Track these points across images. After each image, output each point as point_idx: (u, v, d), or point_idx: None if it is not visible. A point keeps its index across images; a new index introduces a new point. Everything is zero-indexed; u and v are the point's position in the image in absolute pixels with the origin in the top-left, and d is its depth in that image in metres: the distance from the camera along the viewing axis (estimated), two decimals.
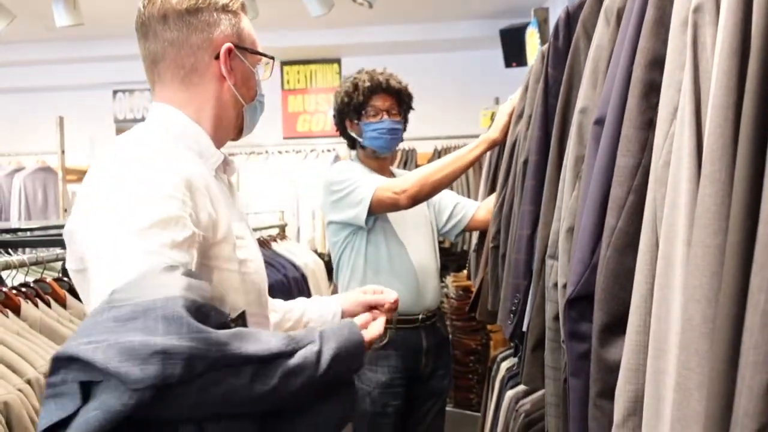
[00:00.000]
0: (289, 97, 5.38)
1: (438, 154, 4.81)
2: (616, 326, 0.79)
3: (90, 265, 0.90)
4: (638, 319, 0.76)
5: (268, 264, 3.32)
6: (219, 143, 1.19)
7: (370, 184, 2.11)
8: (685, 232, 0.71)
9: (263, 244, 3.62)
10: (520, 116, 1.89)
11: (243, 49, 1.16)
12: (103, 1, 3.92)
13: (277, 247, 3.74)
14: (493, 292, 1.93)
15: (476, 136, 4.79)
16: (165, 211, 0.91)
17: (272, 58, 1.26)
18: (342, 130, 2.34)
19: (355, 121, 2.26)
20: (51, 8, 3.77)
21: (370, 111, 2.25)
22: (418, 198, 2.09)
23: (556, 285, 1.10)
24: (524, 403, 2.17)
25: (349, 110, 2.26)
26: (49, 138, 4.79)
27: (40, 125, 5.16)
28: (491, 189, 2.56)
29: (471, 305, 2.05)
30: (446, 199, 2.40)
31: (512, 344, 1.50)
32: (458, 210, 2.38)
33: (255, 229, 3.79)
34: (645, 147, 0.79)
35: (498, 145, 2.11)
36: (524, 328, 1.37)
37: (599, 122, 0.91)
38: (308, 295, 3.49)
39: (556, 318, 1.10)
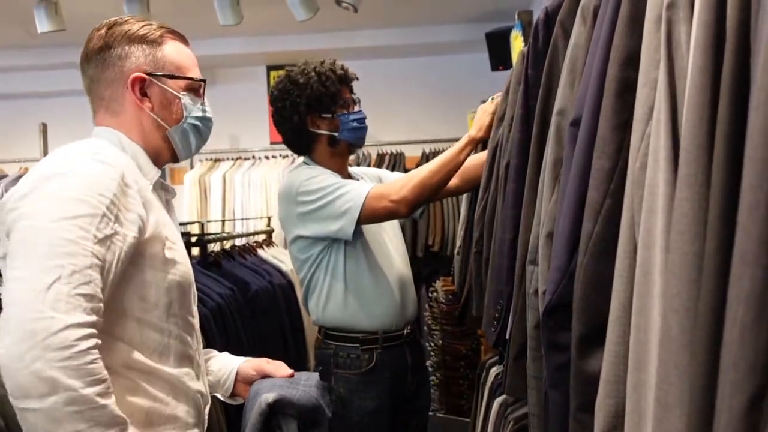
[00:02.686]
0: None
1: (426, 157, 4.78)
2: (594, 336, 0.76)
3: (11, 247, 1.03)
4: (617, 329, 0.72)
5: (254, 271, 3.28)
6: (157, 164, 1.31)
7: (356, 191, 1.95)
8: (662, 237, 0.67)
9: (250, 250, 3.57)
10: (501, 119, 1.86)
11: (159, 76, 1.27)
12: (85, 7, 3.88)
13: (263, 253, 3.70)
14: (477, 298, 1.90)
15: None
16: (92, 207, 1.04)
17: (195, 79, 1.34)
18: (296, 132, 2.09)
19: (327, 115, 2.06)
20: (31, 14, 3.72)
21: (342, 102, 2.09)
22: (417, 206, 1.99)
23: (536, 292, 1.07)
24: (513, 409, 2.14)
25: (320, 104, 2.04)
26: (31, 145, 4.72)
27: (23, 132, 5.09)
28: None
29: (460, 314, 1.99)
30: (384, 179, 2.26)
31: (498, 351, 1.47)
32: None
33: (242, 235, 3.75)
34: (621, 148, 0.76)
35: (480, 143, 2.06)
36: (507, 336, 1.34)
37: (575, 123, 0.87)
38: (295, 302, 3.45)
39: (538, 326, 1.06)
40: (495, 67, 4.54)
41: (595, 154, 0.77)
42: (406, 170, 4.72)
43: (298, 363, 3.40)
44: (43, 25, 3.72)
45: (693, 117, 0.58)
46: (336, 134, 2.09)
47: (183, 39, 1.36)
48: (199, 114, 1.34)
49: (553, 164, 1.04)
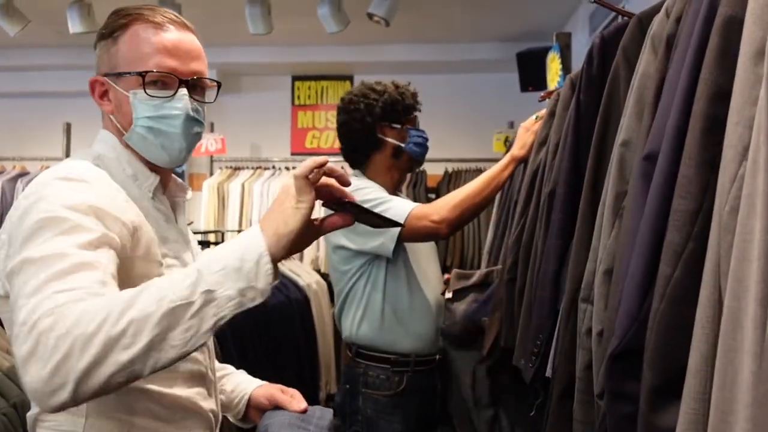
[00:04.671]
0: (298, 113, 5.32)
1: (449, 176, 4.74)
2: (669, 389, 0.70)
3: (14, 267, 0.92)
4: (697, 385, 0.67)
5: None
6: (156, 170, 1.17)
7: (399, 207, 1.91)
8: (757, 288, 0.62)
9: None
10: (542, 143, 1.81)
11: (112, 76, 1.13)
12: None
13: (280, 266, 3.63)
14: (507, 328, 1.84)
15: (489, 160, 4.74)
16: (72, 221, 0.93)
17: (130, 73, 1.10)
18: (363, 136, 2.08)
19: (397, 125, 2.08)
20: (63, 14, 3.73)
21: (413, 117, 2.14)
22: (458, 227, 1.95)
23: (590, 331, 1.01)
24: None
25: (394, 111, 2.06)
26: (54, 144, 4.74)
27: (47, 131, 5.11)
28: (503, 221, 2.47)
29: (490, 349, 1.90)
30: None
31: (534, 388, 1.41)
32: None
33: None
34: (707, 189, 0.70)
35: (523, 162, 2.00)
36: (548, 374, 1.28)
37: (650, 158, 0.82)
38: (310, 318, 3.39)
39: (589, 367, 1.01)
40: (525, 88, 4.49)
41: (676, 193, 0.72)
42: (427, 188, 4.68)
43: (311, 380, 3.35)
44: (75, 26, 3.72)
45: None
46: (403, 145, 2.09)
47: (157, 23, 1.12)
48: (151, 113, 1.10)
49: (614, 198, 0.99)
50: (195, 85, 1.15)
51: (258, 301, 0.90)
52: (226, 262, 0.89)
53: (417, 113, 2.17)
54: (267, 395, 1.38)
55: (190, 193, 1.29)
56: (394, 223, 1.05)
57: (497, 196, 2.66)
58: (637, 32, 1.16)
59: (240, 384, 1.41)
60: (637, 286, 0.76)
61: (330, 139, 5.29)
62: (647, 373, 0.71)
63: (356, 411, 1.96)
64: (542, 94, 2.13)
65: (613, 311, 0.92)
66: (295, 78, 5.31)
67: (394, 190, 2.16)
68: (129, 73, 1.10)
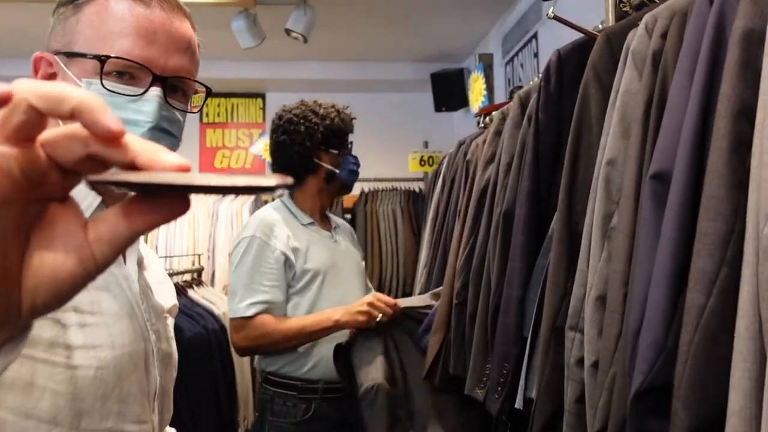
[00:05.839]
0: (207, 131, 5.10)
1: (365, 197, 4.67)
2: (708, 430, 0.65)
3: None
4: (741, 425, 0.62)
5: (186, 315, 3.02)
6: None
7: (241, 294, 1.92)
8: None
9: (179, 290, 3.30)
10: (490, 161, 1.77)
11: (64, 55, 0.84)
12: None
13: (194, 294, 3.44)
14: (456, 355, 1.77)
15: (405, 180, 4.72)
16: None
17: (98, 58, 0.82)
18: (300, 158, 2.03)
19: (335, 151, 2.07)
20: None
21: (348, 144, 2.14)
22: (249, 355, 2.00)
23: (580, 362, 0.95)
24: None
25: (335, 138, 2.06)
26: None
27: None
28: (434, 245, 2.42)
29: (429, 371, 1.84)
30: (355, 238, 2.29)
31: (501, 420, 1.34)
32: None
33: (170, 275, 3.46)
34: (737, 210, 0.66)
35: (343, 329, 1.92)
36: (518, 405, 1.22)
37: (659, 177, 0.78)
38: (228, 349, 3.20)
39: (580, 401, 0.95)
40: (438, 108, 4.53)
41: (704, 216, 0.67)
42: (344, 209, 4.59)
43: (229, 413, 3.15)
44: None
45: None
46: (337, 171, 2.08)
47: None
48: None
49: (602, 219, 0.94)
50: (175, 87, 0.87)
51: None
52: None
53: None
54: None
55: None
56: None
57: (429, 215, 2.62)
58: (606, 49, 1.13)
59: None
60: (661, 316, 0.70)
61: (241, 158, 5.10)
62: (681, 413, 0.66)
63: None
64: (477, 110, 2.12)
65: (610, 340, 0.86)
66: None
67: (321, 214, 2.14)
68: (85, 55, 0.82)
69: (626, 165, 0.92)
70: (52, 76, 0.85)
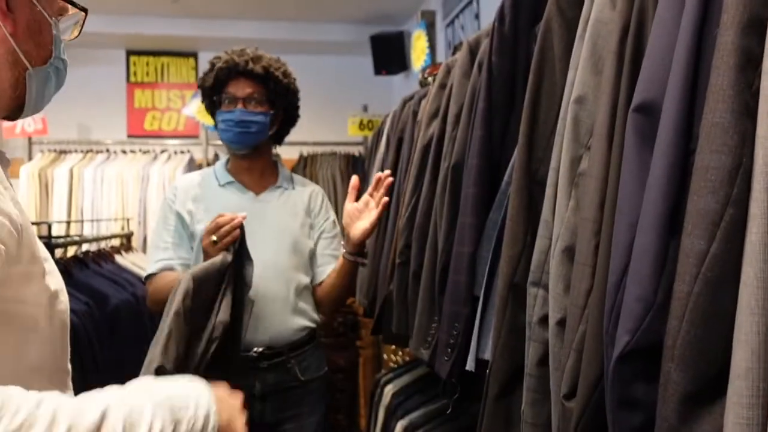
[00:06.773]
0: (135, 91, 4.80)
1: (304, 160, 4.52)
2: (706, 394, 0.56)
3: None
4: (747, 387, 0.53)
5: (113, 281, 2.83)
6: None
7: (153, 257, 1.83)
8: None
9: (106, 256, 3.10)
10: (433, 116, 1.66)
11: None
12: None
13: (122, 260, 3.24)
14: (399, 314, 1.68)
15: (344, 143, 4.59)
16: None
17: (83, 9, 0.94)
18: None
19: (212, 110, 1.92)
20: None
21: (224, 98, 1.85)
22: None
23: (544, 320, 0.86)
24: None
25: (205, 97, 1.91)
26: None
27: None
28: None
29: (375, 326, 1.76)
30: (322, 243, 1.97)
31: (451, 382, 1.24)
32: (318, 262, 1.94)
33: (95, 239, 3.24)
34: (744, 141, 0.56)
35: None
36: (469, 367, 1.13)
37: (644, 109, 0.68)
38: (158, 318, 3.02)
39: (544, 362, 0.86)
40: (378, 72, 4.40)
41: (705, 147, 0.58)
42: None
43: None
44: None
45: None
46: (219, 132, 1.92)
47: None
48: (64, 55, 0.93)
49: (569, 164, 0.84)
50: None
51: None
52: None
53: (244, 88, 1.87)
54: None
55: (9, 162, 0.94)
56: None
57: (372, 177, 2.48)
58: None
59: None
60: (650, 266, 0.61)
61: (173, 120, 4.84)
62: (676, 376, 0.56)
63: None
64: (427, 71, 1.98)
65: (580, 296, 0.77)
66: (130, 52, 4.79)
67: (259, 174, 1.95)
68: (72, 2, 0.90)
69: (598, 102, 0.82)
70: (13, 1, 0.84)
